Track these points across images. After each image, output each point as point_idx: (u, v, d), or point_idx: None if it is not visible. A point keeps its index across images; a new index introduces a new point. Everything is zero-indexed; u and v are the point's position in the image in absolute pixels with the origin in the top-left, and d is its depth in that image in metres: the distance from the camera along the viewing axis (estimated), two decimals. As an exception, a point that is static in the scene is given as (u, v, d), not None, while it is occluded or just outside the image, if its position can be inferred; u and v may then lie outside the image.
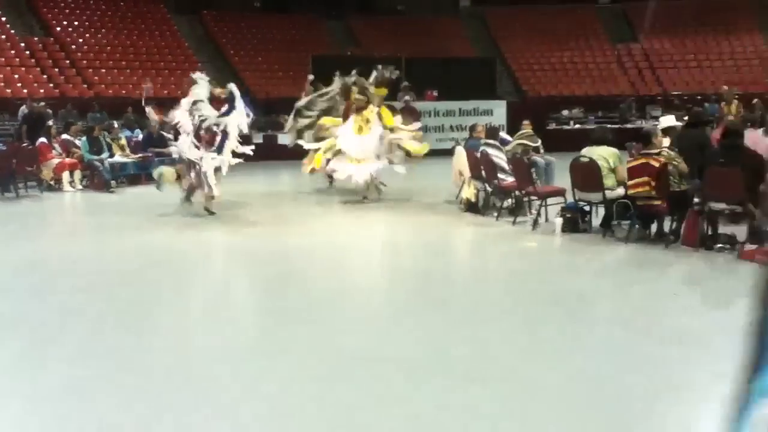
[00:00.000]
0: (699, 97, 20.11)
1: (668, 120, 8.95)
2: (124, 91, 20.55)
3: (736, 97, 16.04)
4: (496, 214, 8.93)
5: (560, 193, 8.40)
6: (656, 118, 13.22)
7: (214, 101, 9.54)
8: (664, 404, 3.55)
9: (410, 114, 18.13)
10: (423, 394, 3.68)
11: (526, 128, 10.71)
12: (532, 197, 8.66)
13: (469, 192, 9.39)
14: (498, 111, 19.06)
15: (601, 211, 7.91)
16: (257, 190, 12.02)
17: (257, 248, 7.61)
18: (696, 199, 6.99)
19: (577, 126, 19.06)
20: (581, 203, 7.98)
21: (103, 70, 21.27)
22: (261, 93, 21.79)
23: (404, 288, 5.88)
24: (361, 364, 4.12)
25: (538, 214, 8.34)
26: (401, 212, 9.97)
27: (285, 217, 9.66)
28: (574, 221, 7.94)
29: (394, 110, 12.95)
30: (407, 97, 18.45)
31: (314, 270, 6.68)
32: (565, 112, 20.60)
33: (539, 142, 10.32)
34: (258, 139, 17.74)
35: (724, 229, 7.05)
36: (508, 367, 4.08)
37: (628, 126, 17.14)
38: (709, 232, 7.01)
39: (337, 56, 21.14)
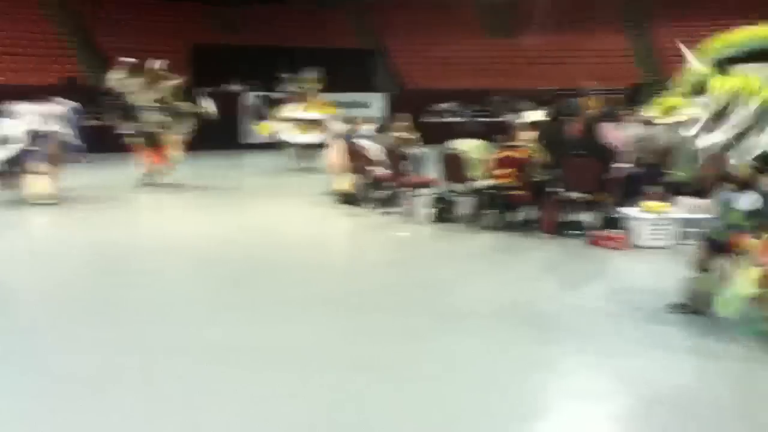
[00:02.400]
0: (567, 92, 21.24)
1: (533, 114, 9.44)
2: None
3: (596, 92, 17.13)
4: (371, 205, 9.12)
5: (431, 183, 8.70)
6: (525, 112, 13.81)
7: None
8: (528, 382, 3.79)
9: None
10: (310, 384, 3.73)
11: (403, 120, 10.97)
12: (405, 188, 8.90)
13: (345, 184, 9.52)
14: (376, 104, 19.33)
15: (470, 200, 8.27)
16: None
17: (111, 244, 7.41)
18: (555, 189, 7.45)
19: (452, 119, 19.65)
20: (450, 193, 8.29)
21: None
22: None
23: (279, 280, 5.89)
24: (236, 355, 4.13)
25: (410, 204, 8.58)
26: (277, 204, 9.98)
27: (157, 208, 9.43)
28: (444, 211, 8.25)
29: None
30: (289, 88, 18.31)
31: (190, 264, 6.54)
32: (442, 105, 21.17)
33: (416, 135, 10.61)
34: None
35: (580, 216, 7.57)
36: (384, 354, 4.20)
37: (500, 119, 17.83)
38: (566, 219, 7.50)
39: (218, 45, 20.71)
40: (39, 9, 23.25)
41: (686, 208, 6.95)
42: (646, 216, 6.84)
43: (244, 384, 3.71)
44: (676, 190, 7.42)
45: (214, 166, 14.04)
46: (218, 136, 13.97)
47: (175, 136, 11.34)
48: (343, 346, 4.32)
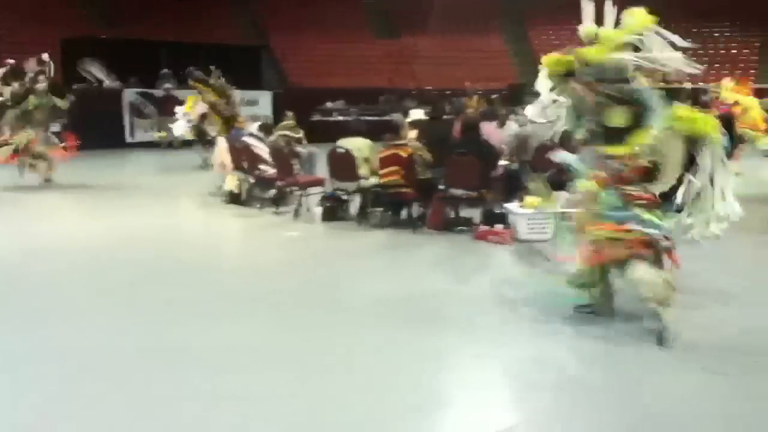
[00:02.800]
0: (450, 92, 21.85)
1: (416, 113, 9.66)
2: None
3: (478, 92, 17.87)
4: (259, 205, 9.03)
5: (320, 182, 8.72)
6: (409, 111, 14.11)
7: None
8: (422, 373, 3.90)
9: (171, 102, 17.51)
10: (215, 383, 3.70)
11: (289, 119, 10.92)
12: (294, 187, 8.88)
13: (231, 183, 9.36)
14: (263, 101, 19.14)
15: (358, 199, 8.36)
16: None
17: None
18: (440, 186, 7.66)
19: (340, 118, 19.74)
20: (339, 192, 8.35)
21: None
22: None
23: (166, 283, 5.72)
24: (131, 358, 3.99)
25: (300, 203, 8.57)
26: (166, 205, 9.69)
27: (42, 211, 8.90)
28: (333, 209, 8.29)
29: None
30: (168, 85, 17.78)
31: (78, 268, 6.22)
32: (329, 104, 21.21)
33: (302, 133, 10.58)
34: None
35: (465, 212, 7.84)
36: (282, 349, 4.21)
37: (386, 118, 18.08)
38: (451, 216, 7.74)
39: (90, 39, 19.75)
40: None
41: (562, 202, 7.33)
42: (525, 211, 7.17)
43: (146, 386, 3.62)
44: (555, 185, 7.81)
45: (99, 167, 13.36)
46: (102, 135, 13.37)
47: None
48: (236, 344, 4.30)
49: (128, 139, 17.22)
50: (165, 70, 18.35)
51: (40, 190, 10.79)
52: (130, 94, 17.32)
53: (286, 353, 4.20)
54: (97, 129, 14.86)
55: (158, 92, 17.71)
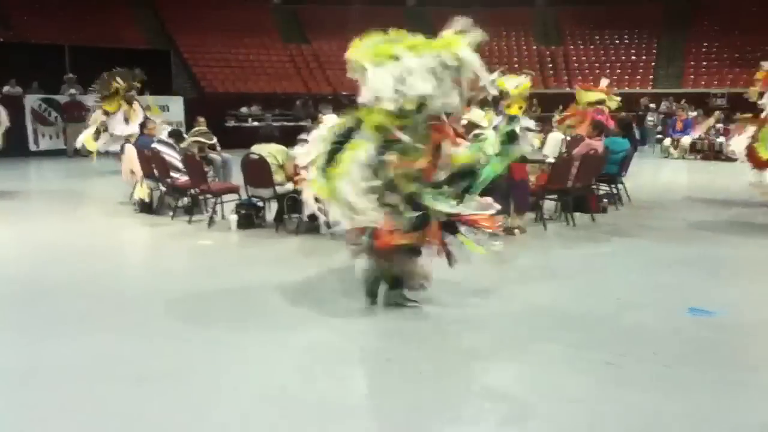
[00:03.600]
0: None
1: (330, 118, 9.67)
2: None
3: None
4: (171, 213, 8.83)
5: (234, 190, 8.62)
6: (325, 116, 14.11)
7: None
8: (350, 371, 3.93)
9: (77, 108, 16.90)
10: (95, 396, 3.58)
11: (201, 125, 10.74)
12: (207, 195, 8.74)
13: (141, 191, 9.12)
14: (175, 107, 18.73)
15: (274, 205, 8.31)
16: None
17: None
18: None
19: (255, 123, 19.55)
20: (254, 199, 8.28)
21: None
22: None
23: (66, 297, 5.52)
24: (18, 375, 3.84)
25: (214, 211, 8.44)
26: (74, 215, 9.33)
27: None
28: (249, 217, 8.22)
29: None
30: (72, 90, 17.12)
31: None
32: (244, 110, 20.96)
33: (215, 139, 10.41)
34: None
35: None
36: (180, 365, 4.14)
37: (302, 123, 18.04)
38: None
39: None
40: None
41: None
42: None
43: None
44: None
45: (1, 176, 12.67)
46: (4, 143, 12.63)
47: None
48: (131, 357, 4.23)
49: (32, 147, 16.45)
50: (69, 75, 17.66)
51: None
52: (32, 100, 16.56)
53: (178, 366, 4.16)
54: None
55: (63, 98, 17.02)
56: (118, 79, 12.61)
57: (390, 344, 4.55)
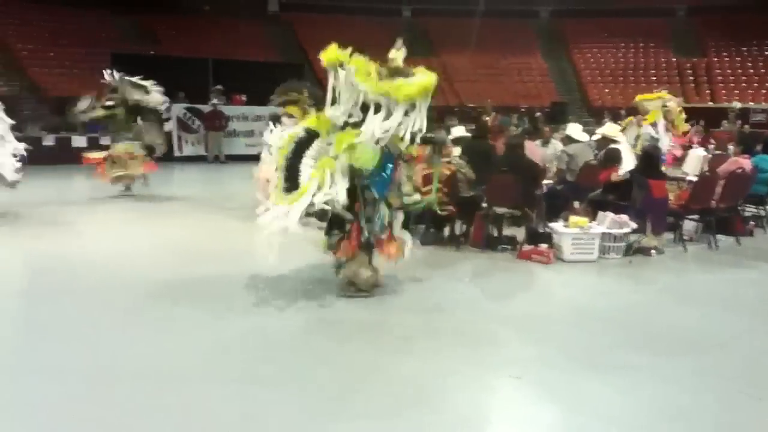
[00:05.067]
0: (494, 111, 21.82)
1: (458, 130, 9.65)
2: None
3: (495, 110, 17.99)
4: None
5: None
6: (451, 128, 14.11)
7: None
8: (445, 393, 3.87)
9: (217, 117, 17.86)
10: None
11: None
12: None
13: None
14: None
15: (400, 216, 8.34)
16: (49, 197, 11.16)
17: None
18: (482, 204, 7.63)
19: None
20: (381, 209, 8.34)
21: None
22: (53, 91, 20.23)
23: (190, 298, 5.78)
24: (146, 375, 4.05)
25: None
26: (203, 219, 9.78)
27: (76, 225, 9.09)
28: (375, 226, 8.28)
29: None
30: (215, 101, 18.10)
31: (88, 281, 6.28)
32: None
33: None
34: (50, 141, 16.50)
35: (507, 231, 7.78)
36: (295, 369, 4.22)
37: (428, 135, 18.08)
38: (494, 234, 7.69)
39: (138, 55, 20.22)
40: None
41: (607, 222, 7.24)
42: (570, 231, 7.08)
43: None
44: (599, 205, 7.73)
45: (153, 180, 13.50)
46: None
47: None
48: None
49: (176, 152, 17.49)
50: (218, 86, 18.67)
51: (120, 199, 11.31)
52: (177, 109, 17.63)
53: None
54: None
55: (205, 107, 18.02)
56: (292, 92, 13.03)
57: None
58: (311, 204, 5.20)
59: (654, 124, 10.17)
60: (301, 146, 5.39)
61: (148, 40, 23.91)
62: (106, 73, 11.46)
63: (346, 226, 5.62)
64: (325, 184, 5.18)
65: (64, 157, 15.69)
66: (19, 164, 9.25)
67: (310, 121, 5.56)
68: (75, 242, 8.03)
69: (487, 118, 15.64)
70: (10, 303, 5.63)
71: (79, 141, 17.13)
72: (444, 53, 27.87)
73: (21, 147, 9.35)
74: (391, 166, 5.54)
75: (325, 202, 5.23)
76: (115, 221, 9.59)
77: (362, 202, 5.53)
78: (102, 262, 6.90)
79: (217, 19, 26.01)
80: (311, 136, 5.44)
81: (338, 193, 5.21)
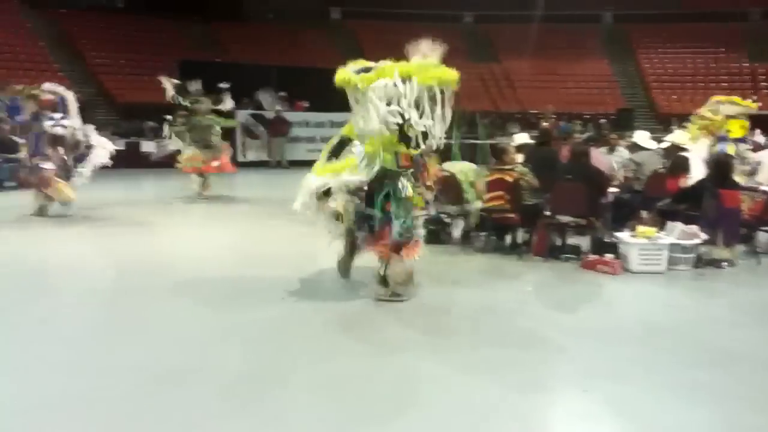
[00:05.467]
0: (554, 116, 21.49)
1: (521, 137, 9.52)
2: (-29, 90, 19.01)
3: (553, 116, 17.62)
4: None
5: (423, 206, 8.70)
6: (514, 135, 13.99)
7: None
8: (512, 404, 3.80)
9: (281, 123, 18.15)
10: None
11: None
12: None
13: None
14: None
15: (462, 222, 8.30)
16: (119, 198, 11.54)
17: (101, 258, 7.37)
18: (545, 212, 7.50)
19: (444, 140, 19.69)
20: (442, 215, 8.32)
21: (-53, 68, 19.62)
22: (122, 97, 20.94)
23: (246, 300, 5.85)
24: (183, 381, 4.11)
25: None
26: (265, 222, 9.94)
27: (145, 225, 9.37)
28: (436, 232, 8.26)
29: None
30: (278, 107, 18.41)
31: (165, 283, 6.42)
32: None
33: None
34: (120, 146, 17.05)
35: (571, 240, 7.63)
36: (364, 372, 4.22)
37: (489, 142, 17.93)
38: (557, 243, 7.54)
39: (205, 62, 20.73)
40: (27, 24, 23.25)
41: (677, 233, 7.02)
42: (637, 241, 6.89)
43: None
44: (668, 215, 7.50)
45: (227, 183, 13.67)
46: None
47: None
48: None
49: (240, 158, 17.84)
50: (281, 93, 18.98)
51: (196, 201, 11.76)
52: (242, 116, 17.98)
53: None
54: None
55: (269, 114, 18.32)
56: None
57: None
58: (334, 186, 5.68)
59: (743, 139, 9.79)
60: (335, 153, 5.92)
61: (215, 48, 24.49)
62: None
63: (375, 227, 5.71)
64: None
65: (133, 161, 16.23)
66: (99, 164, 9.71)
67: (344, 130, 5.99)
68: (144, 241, 8.33)
69: (546, 124, 15.35)
70: (89, 298, 5.82)
71: (147, 146, 17.69)
72: (506, 59, 27.63)
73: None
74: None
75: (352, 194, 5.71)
76: (183, 223, 9.88)
77: (394, 202, 5.62)
78: (170, 262, 7.15)
79: (280, 27, 26.44)
80: (344, 141, 5.94)
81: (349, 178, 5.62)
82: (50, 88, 9.83)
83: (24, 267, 6.91)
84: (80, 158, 9.69)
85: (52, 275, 6.75)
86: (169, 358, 4.41)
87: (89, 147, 9.76)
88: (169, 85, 11.63)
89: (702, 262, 7.04)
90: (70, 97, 9.82)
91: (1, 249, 7.82)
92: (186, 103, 11.56)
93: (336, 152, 5.90)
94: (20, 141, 14.27)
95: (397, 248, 5.70)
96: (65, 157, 9.50)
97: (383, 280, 5.74)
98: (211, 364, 4.33)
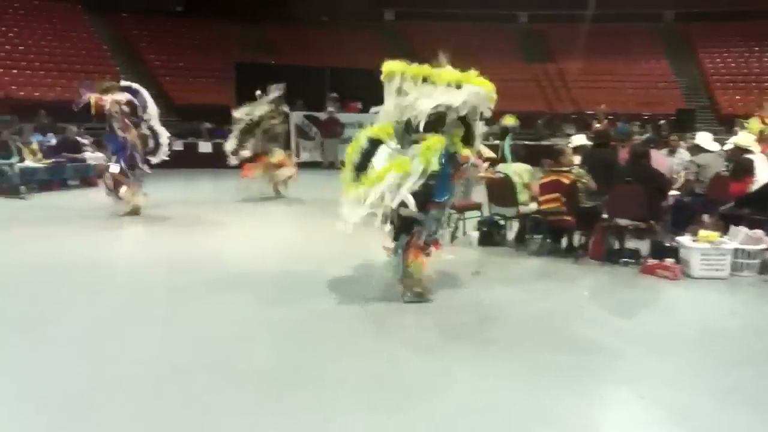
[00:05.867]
0: (610, 117, 21.04)
1: (579, 139, 9.36)
2: (36, 93, 19.78)
3: (608, 117, 17.19)
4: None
5: (477, 207, 8.65)
6: (570, 135, 13.77)
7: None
8: (568, 410, 3.73)
9: (333, 124, 18.27)
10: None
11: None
12: (451, 210, 8.86)
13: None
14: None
15: (516, 225, 8.20)
16: (178, 197, 11.80)
17: (167, 256, 7.55)
18: (603, 215, 7.35)
19: (496, 142, 19.53)
20: (496, 217, 8.24)
21: (15, 71, 20.41)
22: (180, 99, 21.40)
23: (295, 295, 5.89)
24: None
25: (456, 227, 8.54)
26: (316, 221, 9.98)
27: (201, 224, 9.56)
28: (490, 235, 8.19)
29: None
30: (331, 108, 18.53)
31: (226, 278, 6.56)
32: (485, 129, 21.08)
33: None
34: (178, 146, 17.44)
35: (629, 244, 7.46)
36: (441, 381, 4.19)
37: (543, 143, 17.73)
38: (615, 247, 7.38)
39: (259, 64, 21.01)
40: (90, 28, 23.99)
41: (741, 238, 6.79)
42: (699, 246, 6.68)
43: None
44: (732, 219, 7.26)
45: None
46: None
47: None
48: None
49: (294, 159, 18.01)
50: (333, 94, 19.10)
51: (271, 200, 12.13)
52: (296, 117, 18.15)
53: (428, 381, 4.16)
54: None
55: (322, 114, 18.46)
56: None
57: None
58: (386, 204, 5.36)
59: None
60: (366, 155, 5.60)
61: (269, 50, 24.81)
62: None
63: (415, 228, 5.70)
64: (399, 182, 5.33)
65: (190, 161, 16.57)
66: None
67: (372, 131, 5.73)
68: (197, 240, 8.52)
69: (599, 125, 15.04)
70: (144, 294, 5.98)
71: (204, 147, 18.05)
72: (561, 59, 27.20)
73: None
74: (449, 166, 5.56)
75: (401, 204, 5.38)
76: (237, 222, 10.02)
77: (433, 203, 5.64)
78: (221, 259, 7.35)
79: (334, 28, 26.61)
80: (375, 143, 5.64)
81: (407, 195, 5.33)
82: (126, 84, 10.16)
83: (89, 264, 7.14)
84: (151, 152, 9.97)
85: (113, 272, 6.96)
86: (194, 352, 4.53)
87: (157, 141, 10.04)
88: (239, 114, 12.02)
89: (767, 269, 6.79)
90: (144, 91, 10.07)
91: (74, 246, 8.08)
92: (254, 115, 11.88)
93: (367, 157, 5.61)
94: (84, 142, 14.77)
95: (426, 248, 5.81)
96: (136, 155, 9.75)
97: (407, 281, 5.78)
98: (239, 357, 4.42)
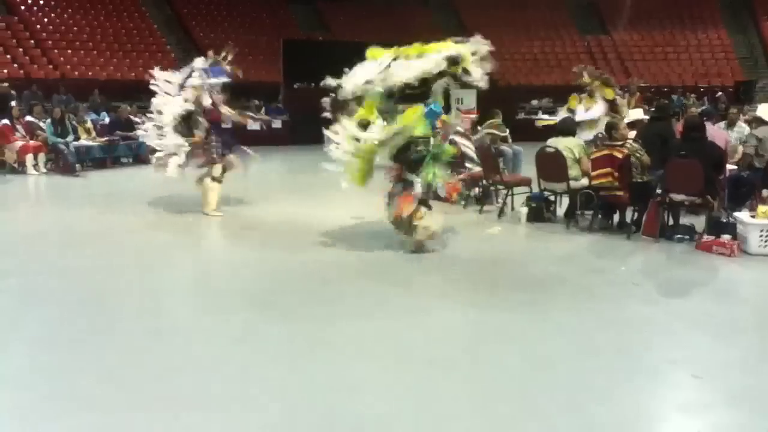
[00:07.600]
0: (665, 89, 20.46)
1: (635, 113, 9.11)
2: (90, 73, 20.24)
3: (641, 88, 16.54)
4: (463, 202, 8.99)
5: (526, 182, 8.54)
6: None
7: None
8: (621, 389, 3.67)
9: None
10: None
11: (496, 117, 10.81)
12: (499, 186, 8.78)
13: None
14: (468, 99, 19.17)
15: (566, 200, 8.05)
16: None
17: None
18: (657, 191, 7.16)
19: (546, 116, 19.26)
20: (546, 193, 8.11)
21: (69, 51, 20.90)
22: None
23: (361, 272, 5.91)
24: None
25: (504, 203, 8.45)
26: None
27: (261, 203, 9.68)
28: (539, 210, 8.07)
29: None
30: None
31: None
32: (534, 102, 20.78)
33: (507, 132, 10.42)
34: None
35: (683, 219, 7.26)
36: (464, 350, 4.18)
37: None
38: (670, 223, 7.19)
39: (307, 41, 21.05)
40: (141, 7, 24.33)
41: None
42: (758, 222, 6.46)
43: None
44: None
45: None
46: (318, 132, 14.19)
47: None
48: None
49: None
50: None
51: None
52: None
53: (463, 351, 4.14)
54: (312, 125, 15.70)
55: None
56: (586, 74, 12.54)
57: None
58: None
59: None
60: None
61: (319, 27, 24.82)
62: None
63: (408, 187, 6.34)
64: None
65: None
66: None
67: (359, 114, 6.42)
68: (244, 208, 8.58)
69: (631, 99, 14.49)
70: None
71: (252, 126, 18.12)
72: (616, 31, 26.48)
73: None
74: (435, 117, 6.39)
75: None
76: (286, 201, 10.11)
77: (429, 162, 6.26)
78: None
79: (385, 4, 26.42)
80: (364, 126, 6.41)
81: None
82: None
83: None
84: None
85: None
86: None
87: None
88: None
89: (830, 246, 6.53)
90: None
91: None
92: None
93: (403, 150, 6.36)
94: (138, 120, 15.02)
95: (424, 202, 6.38)
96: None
97: (408, 232, 6.40)
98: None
